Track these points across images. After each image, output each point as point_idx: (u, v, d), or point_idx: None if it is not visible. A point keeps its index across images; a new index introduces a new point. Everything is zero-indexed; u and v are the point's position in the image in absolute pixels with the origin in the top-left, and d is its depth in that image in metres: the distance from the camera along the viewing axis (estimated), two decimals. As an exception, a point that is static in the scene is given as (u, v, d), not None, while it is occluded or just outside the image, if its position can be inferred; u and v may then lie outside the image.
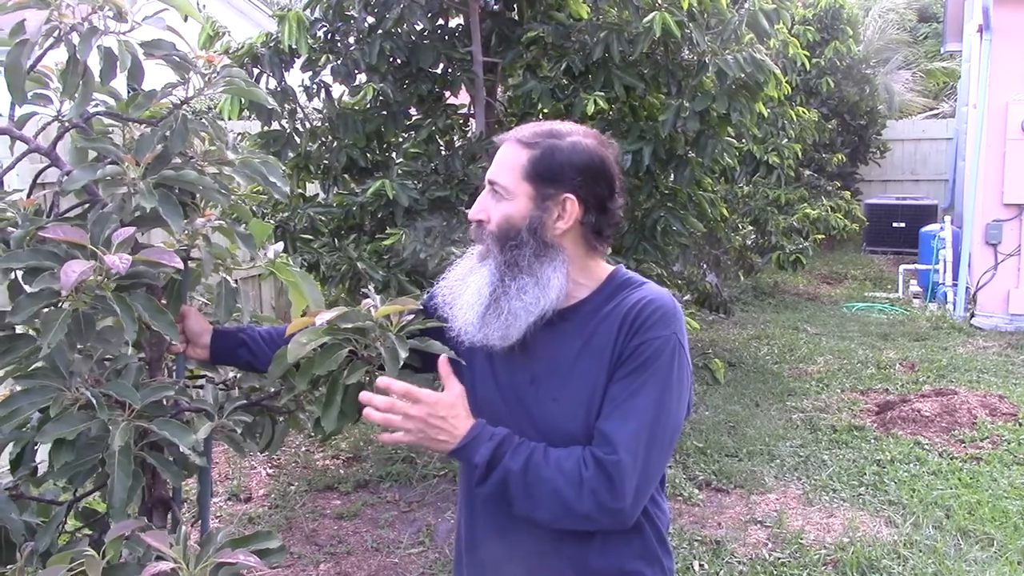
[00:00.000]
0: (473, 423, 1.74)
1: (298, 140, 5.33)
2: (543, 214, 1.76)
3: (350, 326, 1.82)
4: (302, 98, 5.39)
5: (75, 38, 1.87)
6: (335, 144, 5.31)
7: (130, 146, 1.96)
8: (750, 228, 8.69)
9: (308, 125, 5.38)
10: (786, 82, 5.75)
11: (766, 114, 5.54)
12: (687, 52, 5.01)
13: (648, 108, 5.27)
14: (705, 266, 8.88)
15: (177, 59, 1.93)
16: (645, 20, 4.63)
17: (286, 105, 5.26)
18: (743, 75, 4.66)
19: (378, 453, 5.78)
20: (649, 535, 1.82)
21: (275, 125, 5.28)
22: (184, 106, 1.89)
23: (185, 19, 2.29)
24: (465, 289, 1.81)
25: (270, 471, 5.74)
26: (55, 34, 1.87)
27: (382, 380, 1.75)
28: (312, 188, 5.86)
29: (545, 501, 1.68)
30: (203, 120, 1.95)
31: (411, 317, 1.88)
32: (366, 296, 2.01)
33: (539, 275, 1.75)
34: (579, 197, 1.77)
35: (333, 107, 5.38)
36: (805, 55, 6.41)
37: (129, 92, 2.02)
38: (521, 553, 1.81)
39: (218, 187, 1.87)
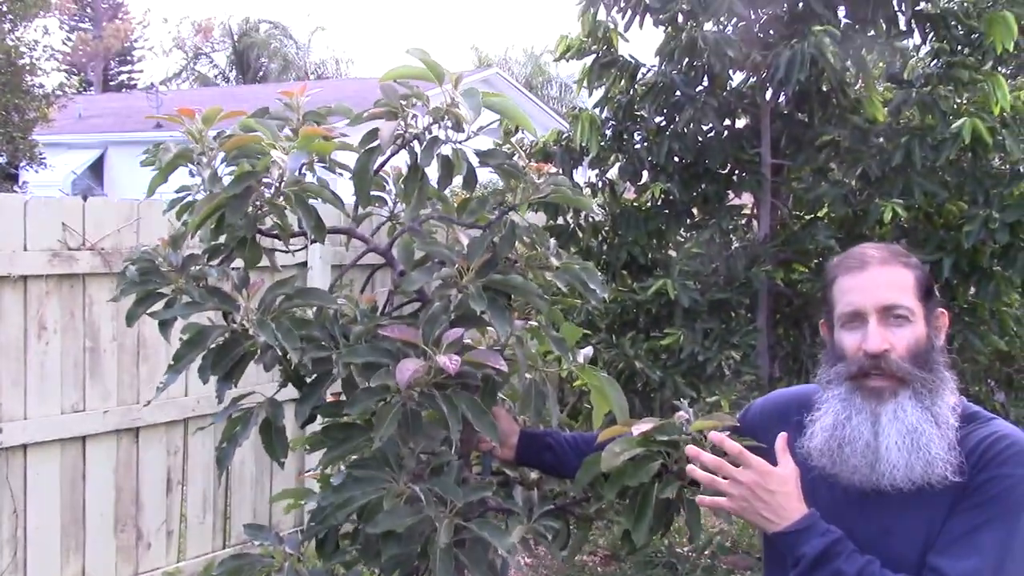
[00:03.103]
0: (807, 511, 1.64)
1: (580, 235, 5.43)
2: (934, 334, 1.69)
3: (665, 439, 1.78)
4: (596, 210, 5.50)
5: (417, 147, 1.99)
6: (616, 240, 5.37)
7: (453, 247, 2.05)
8: (1050, 347, 7.97)
9: (591, 221, 5.48)
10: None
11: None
12: (997, 160, 4.72)
13: (946, 216, 4.99)
14: (993, 384, 8.23)
15: (508, 167, 2.00)
16: (953, 126, 4.41)
17: (571, 201, 5.38)
18: (1062, 186, 4.34)
19: (637, 555, 5.66)
20: None
21: (559, 220, 5.41)
22: (512, 212, 1.95)
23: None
24: (880, 430, 1.65)
25: (528, 561, 5.74)
26: (398, 142, 1.99)
27: (715, 435, 1.70)
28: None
29: None
30: (527, 224, 2.01)
31: (726, 434, 1.82)
32: (669, 405, 1.97)
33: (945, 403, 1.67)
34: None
35: (617, 204, 5.46)
36: None
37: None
38: None
39: (540, 292, 1.91)
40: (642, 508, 1.78)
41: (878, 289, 1.67)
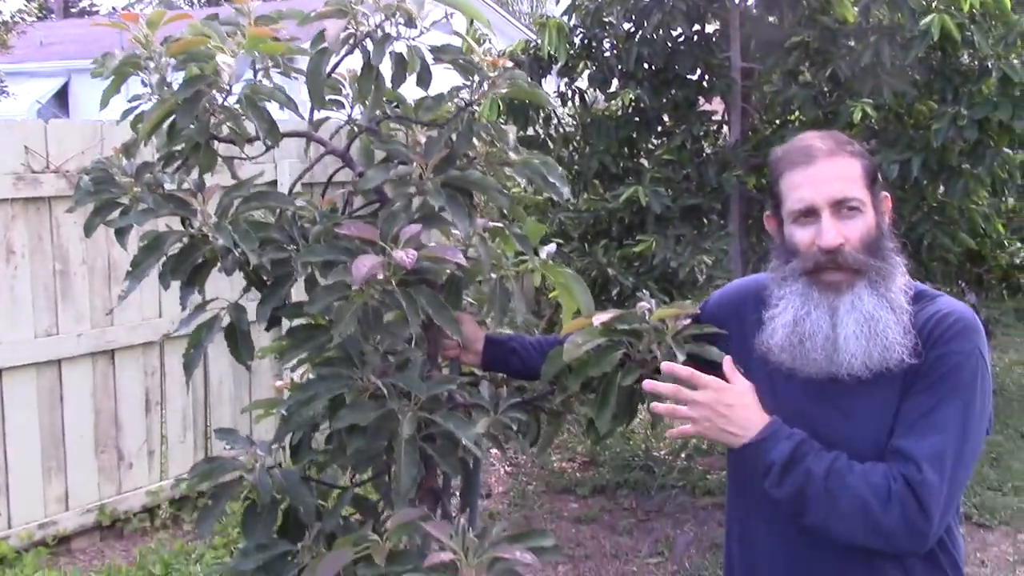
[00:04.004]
0: (770, 419, 1.65)
1: (551, 145, 5.41)
2: (881, 219, 1.70)
3: (626, 327, 1.80)
4: (556, 104, 5.47)
5: (369, 45, 1.96)
6: (587, 150, 5.35)
7: (413, 148, 2.04)
8: (1019, 245, 8.05)
9: (562, 131, 5.45)
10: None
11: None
12: (966, 56, 4.70)
13: (916, 116, 4.99)
14: (964, 284, 8.33)
15: (463, 63, 1.98)
16: (922, 23, 4.39)
17: (541, 111, 5.35)
18: (1030, 81, 4.33)
19: (615, 459, 5.77)
20: (943, 564, 1.69)
21: (530, 131, 5.38)
22: (470, 108, 1.93)
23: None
24: (838, 322, 1.66)
25: (508, 469, 5.84)
26: (351, 41, 1.96)
27: (666, 365, 1.70)
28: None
29: (846, 511, 1.57)
30: (486, 122, 1.99)
31: (687, 322, 1.84)
32: (629, 300, 1.99)
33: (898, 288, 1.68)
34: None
35: (587, 113, 5.43)
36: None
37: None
38: (805, 569, 1.73)
39: (500, 187, 1.91)
40: (605, 397, 1.80)
41: (828, 183, 1.65)
